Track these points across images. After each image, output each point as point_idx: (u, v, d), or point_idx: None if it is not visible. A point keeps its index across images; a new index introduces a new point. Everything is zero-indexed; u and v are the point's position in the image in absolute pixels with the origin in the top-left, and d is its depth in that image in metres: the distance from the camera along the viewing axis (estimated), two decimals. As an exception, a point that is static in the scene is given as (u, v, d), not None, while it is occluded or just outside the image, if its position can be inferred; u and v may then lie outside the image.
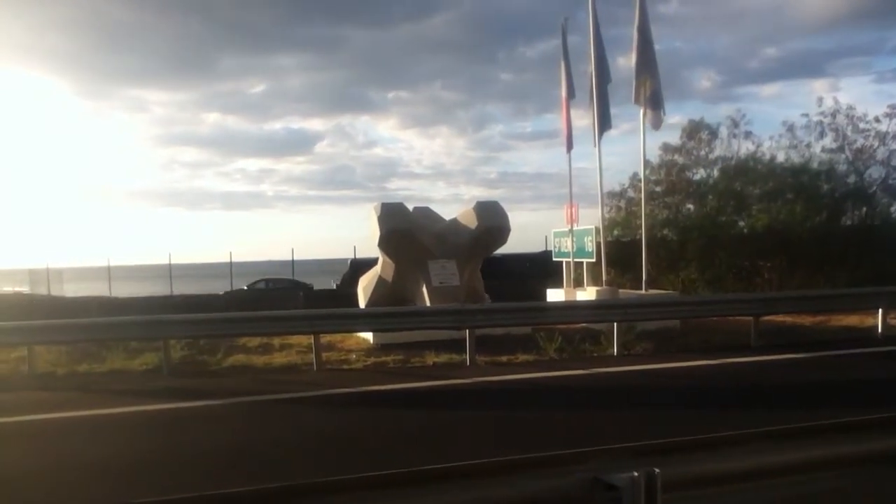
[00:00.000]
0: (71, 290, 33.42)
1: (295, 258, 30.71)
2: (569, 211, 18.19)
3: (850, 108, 22.88)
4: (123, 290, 30.71)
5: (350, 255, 26.74)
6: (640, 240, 17.44)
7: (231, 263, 31.16)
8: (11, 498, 5.76)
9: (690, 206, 23.22)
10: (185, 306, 20.08)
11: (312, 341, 12.07)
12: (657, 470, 2.86)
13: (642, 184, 18.71)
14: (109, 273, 32.14)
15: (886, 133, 22.58)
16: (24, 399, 9.83)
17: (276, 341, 13.86)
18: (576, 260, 18.14)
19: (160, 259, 32.82)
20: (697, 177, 23.94)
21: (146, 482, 5.97)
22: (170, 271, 30.55)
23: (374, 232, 15.24)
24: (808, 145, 23.35)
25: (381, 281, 15.99)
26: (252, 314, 13.21)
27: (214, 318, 12.79)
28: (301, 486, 2.65)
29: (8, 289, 32.21)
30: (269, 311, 13.47)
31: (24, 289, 32.04)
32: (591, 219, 18.52)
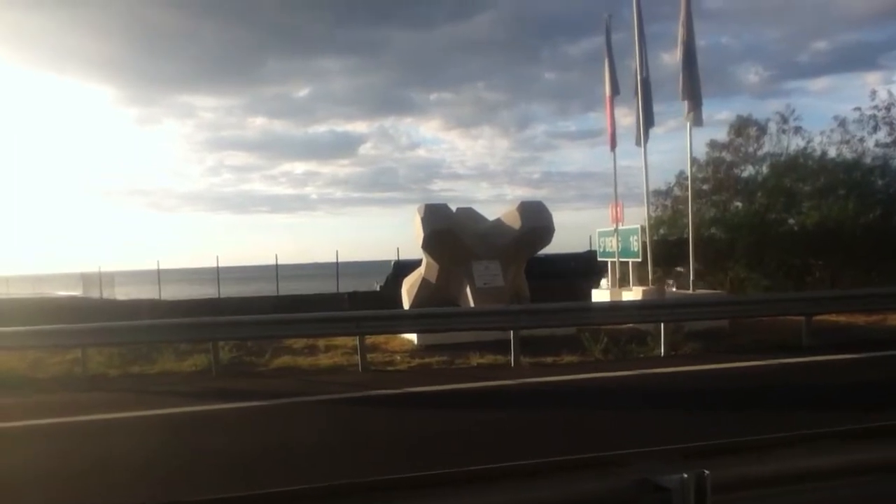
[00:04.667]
0: (122, 293, 34.19)
1: (339, 260, 30.90)
2: (614, 210, 18.02)
3: None
4: (173, 293, 31.30)
5: (393, 257, 26.84)
6: (687, 238, 17.18)
7: (277, 266, 31.51)
8: (60, 496, 5.90)
9: (738, 204, 22.79)
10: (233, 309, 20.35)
11: (357, 343, 12.16)
12: (707, 472, 2.81)
13: (689, 181, 18.43)
14: (159, 276, 32.74)
15: (943, 126, 21.91)
16: (77, 400, 10.08)
17: (322, 343, 13.97)
18: (621, 259, 17.94)
19: (208, 262, 33.33)
20: (746, 174, 23.51)
21: (193, 482, 6.07)
22: (217, 274, 30.98)
23: (417, 233, 15.29)
24: (861, 140, 22.76)
25: (424, 282, 16.02)
26: (298, 316, 13.37)
27: (261, 319, 12.96)
28: (345, 486, 2.66)
29: (61, 292, 33.08)
30: (315, 313, 13.59)
31: (77, 292, 32.86)
32: (637, 218, 18.34)
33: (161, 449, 7.28)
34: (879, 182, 21.91)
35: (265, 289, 31.68)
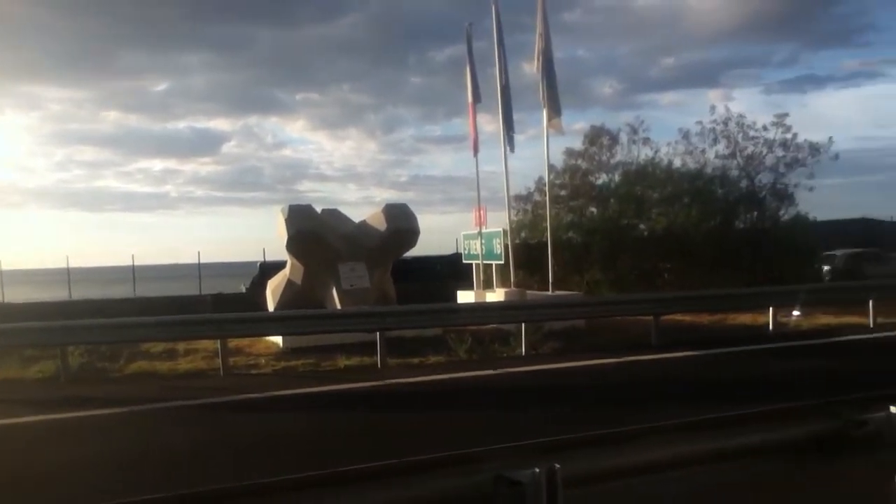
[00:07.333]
0: (-43, 295, 31.52)
1: (202, 261, 29.87)
2: (477, 214, 18.46)
3: (741, 116, 23.94)
4: (18, 295, 29.20)
5: (260, 258, 26.27)
6: (547, 242, 17.86)
7: (133, 267, 30.13)
8: None
9: (594, 210, 23.70)
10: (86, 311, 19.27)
11: (219, 346, 11.86)
12: (557, 465, 2.97)
13: (547, 187, 19.17)
14: (1, 278, 30.47)
15: (773, 141, 23.74)
16: None
17: (182, 346, 13.53)
18: (485, 262, 18.41)
19: (58, 263, 31.30)
20: (600, 181, 24.48)
21: (38, 496, 5.77)
22: (68, 275, 29.21)
23: (281, 234, 15.08)
24: (703, 151, 24.30)
25: (290, 284, 15.81)
26: (155, 319, 12.81)
27: (115, 323, 12.36)
28: (214, 492, 2.64)
29: None
30: (174, 316, 13.10)
31: None
32: (500, 221, 18.86)
33: (4, 461, 6.84)
34: (719, 191, 23.55)
35: (122, 291, 30.12)
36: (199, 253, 29.70)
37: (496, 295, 16.85)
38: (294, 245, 15.05)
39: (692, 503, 5.10)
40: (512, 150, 18.18)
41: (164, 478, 6.13)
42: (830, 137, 24.08)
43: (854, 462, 4.28)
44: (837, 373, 10.22)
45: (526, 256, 19.84)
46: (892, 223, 25.64)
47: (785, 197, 23.96)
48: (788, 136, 23.55)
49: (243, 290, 25.33)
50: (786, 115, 23.78)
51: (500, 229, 17.73)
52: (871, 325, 14.93)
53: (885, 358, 11.68)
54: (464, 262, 20.18)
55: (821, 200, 34.20)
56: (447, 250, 27.08)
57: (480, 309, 15.01)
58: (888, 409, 3.97)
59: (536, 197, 23.69)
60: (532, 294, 17.05)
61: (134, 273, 29.57)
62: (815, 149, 23.36)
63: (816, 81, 77.25)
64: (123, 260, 29.98)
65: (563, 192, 23.86)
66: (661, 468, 3.76)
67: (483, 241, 18.15)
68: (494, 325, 14.30)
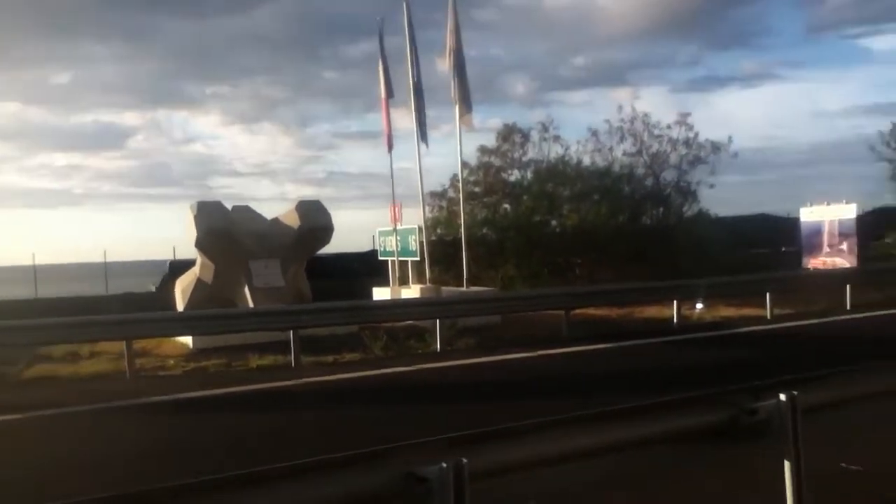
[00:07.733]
0: None
1: (109, 259, 28.76)
2: (392, 210, 18.46)
3: (646, 115, 24.77)
4: None
5: (169, 257, 25.53)
6: (461, 239, 18.02)
7: (35, 266, 28.79)
8: None
9: (507, 207, 24.03)
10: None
11: (125, 347, 11.48)
12: (465, 460, 3.03)
13: (461, 185, 19.35)
14: None
15: (677, 139, 24.66)
16: None
17: (86, 349, 13.03)
18: (400, 259, 18.44)
19: (-52, 262, 29.59)
20: (513, 178, 24.85)
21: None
22: (-41, 275, 27.72)
23: (190, 232, 14.70)
24: (611, 149, 25.03)
25: (200, 283, 15.43)
26: (56, 320, 12.27)
27: (13, 325, 11.77)
28: (103, 499, 2.59)
29: None
30: (75, 317, 12.57)
31: None
32: (416, 218, 18.92)
33: None
34: (627, 188, 24.28)
35: (22, 291, 28.76)
36: (104, 251, 28.64)
37: (411, 291, 16.90)
38: (204, 243, 14.71)
39: (595, 492, 5.28)
40: (426, 146, 18.26)
41: (62, 486, 5.92)
42: (730, 136, 25.19)
43: (746, 448, 4.52)
44: (734, 363, 10.66)
45: (441, 253, 19.98)
46: (788, 219, 26.86)
47: (688, 194, 24.92)
48: (691, 134, 24.53)
49: (153, 290, 24.60)
50: (688, 114, 24.81)
51: (416, 226, 17.80)
52: (769, 317, 15.65)
53: (779, 348, 12.29)
54: (379, 258, 20.15)
55: (723, 197, 35.85)
56: (363, 247, 26.98)
57: (396, 306, 15.05)
58: (778, 397, 4.20)
59: (451, 194, 23.83)
60: (447, 290, 17.18)
61: (35, 273, 28.26)
62: (716, 147, 24.40)
63: (719, 82, 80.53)
64: (24, 259, 28.49)
65: (477, 189, 24.10)
66: (564, 460, 3.87)
67: (398, 238, 18.17)
68: (410, 322, 14.35)
